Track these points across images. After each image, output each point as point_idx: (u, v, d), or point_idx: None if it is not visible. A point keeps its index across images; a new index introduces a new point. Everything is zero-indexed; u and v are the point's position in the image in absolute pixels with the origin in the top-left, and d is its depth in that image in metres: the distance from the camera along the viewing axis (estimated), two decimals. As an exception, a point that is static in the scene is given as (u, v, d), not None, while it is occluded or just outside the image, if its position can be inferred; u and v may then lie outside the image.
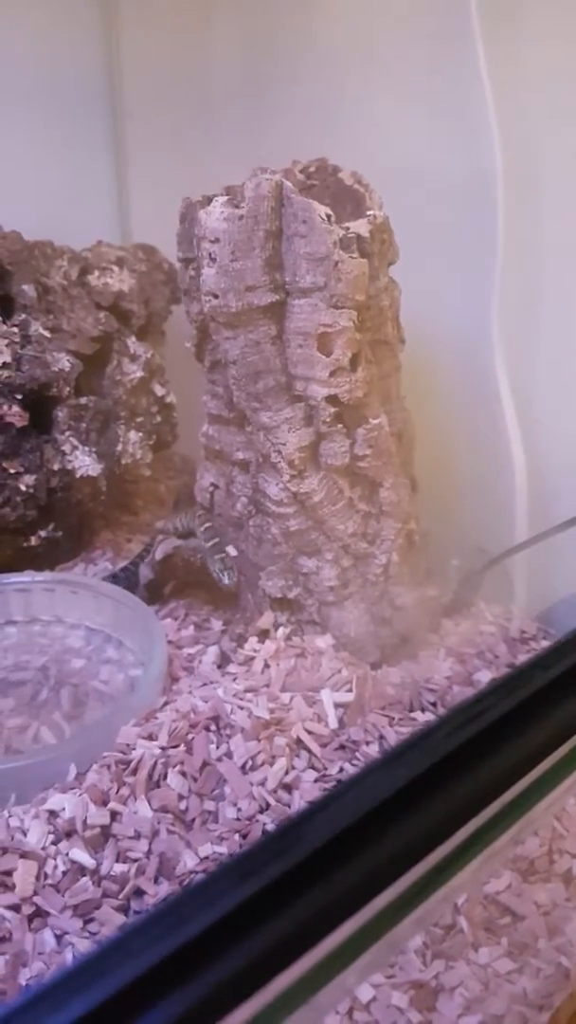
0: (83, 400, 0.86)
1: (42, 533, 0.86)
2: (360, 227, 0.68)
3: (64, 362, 0.85)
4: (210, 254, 0.68)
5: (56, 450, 0.85)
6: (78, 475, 0.84)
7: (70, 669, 0.77)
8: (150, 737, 0.64)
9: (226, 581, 0.77)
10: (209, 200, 0.76)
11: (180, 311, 1.09)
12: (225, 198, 0.67)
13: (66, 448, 0.84)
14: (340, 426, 0.73)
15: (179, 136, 1.19)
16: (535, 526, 0.90)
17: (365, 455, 0.74)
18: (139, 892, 0.56)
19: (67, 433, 0.85)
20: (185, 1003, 0.27)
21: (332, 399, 0.71)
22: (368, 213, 0.72)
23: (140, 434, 0.90)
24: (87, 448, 0.84)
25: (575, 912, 0.59)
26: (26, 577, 0.80)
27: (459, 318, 0.92)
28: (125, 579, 0.86)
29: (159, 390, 0.96)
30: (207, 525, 0.80)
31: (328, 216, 0.66)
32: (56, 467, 0.85)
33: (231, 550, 0.80)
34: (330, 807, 0.33)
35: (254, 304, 0.69)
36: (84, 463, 0.84)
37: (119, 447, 0.88)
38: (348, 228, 0.68)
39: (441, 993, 0.54)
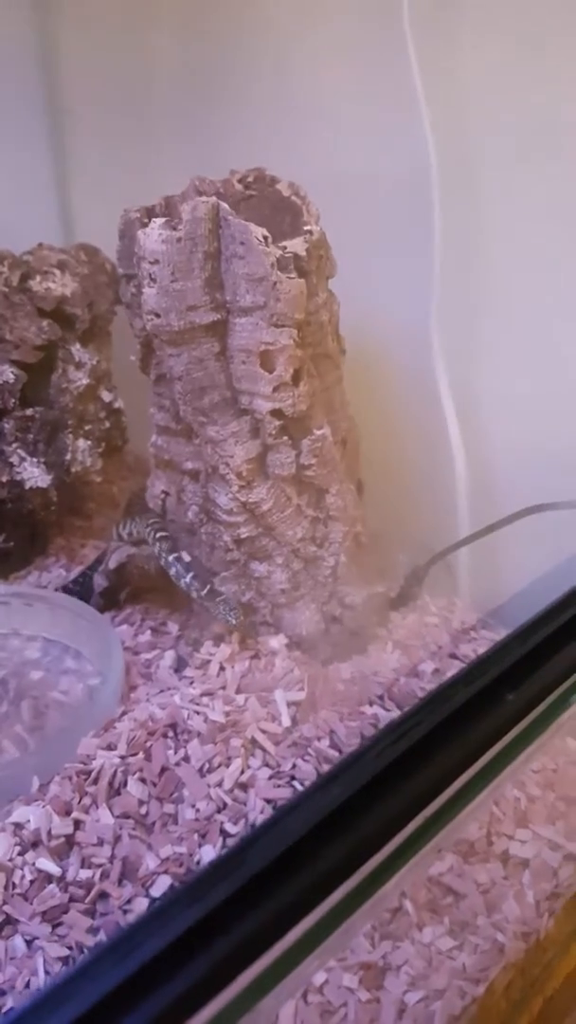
0: (29, 411, 0.87)
1: (-4, 544, 0.87)
2: (297, 246, 0.71)
3: (8, 374, 0.87)
4: (150, 275, 0.70)
5: (4, 462, 0.86)
6: (27, 487, 0.86)
7: (29, 681, 0.79)
8: (109, 747, 0.67)
9: (233, 622, 0.75)
10: (150, 213, 0.78)
11: (125, 312, 1.11)
12: (162, 220, 0.69)
13: (14, 460, 0.86)
14: (285, 438, 0.76)
15: (119, 134, 1.19)
16: (475, 522, 0.94)
17: (311, 464, 0.77)
18: (104, 895, 0.59)
19: (14, 445, 0.86)
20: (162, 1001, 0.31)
21: (276, 413, 0.74)
22: (305, 229, 0.74)
23: (89, 442, 0.92)
24: (35, 459, 0.86)
25: (511, 890, 0.64)
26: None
27: (399, 319, 0.95)
28: (79, 588, 0.88)
29: (106, 396, 0.97)
30: (161, 534, 0.82)
31: (265, 238, 0.68)
32: (4, 479, 0.86)
33: (226, 593, 0.80)
34: (273, 829, 0.36)
35: (196, 323, 0.71)
36: (33, 474, 0.86)
37: (68, 456, 0.90)
38: (285, 248, 0.70)
39: (388, 972, 0.58)
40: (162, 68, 1.16)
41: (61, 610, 0.82)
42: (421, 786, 0.39)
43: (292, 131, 1.02)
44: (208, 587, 0.78)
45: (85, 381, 0.93)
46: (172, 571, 0.80)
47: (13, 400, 0.86)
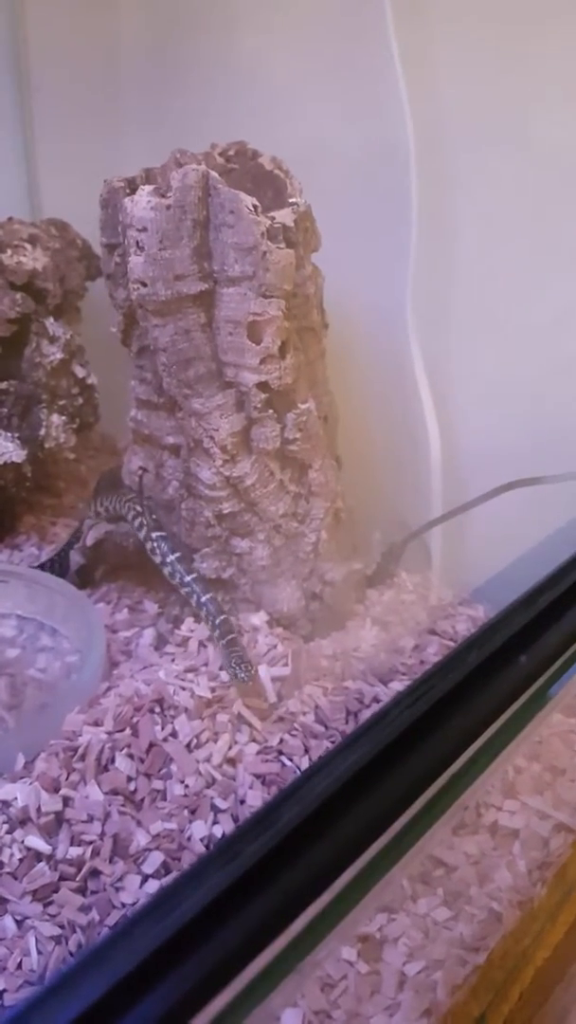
0: (3, 385, 0.85)
1: (-33, 521, 0.85)
2: (285, 217, 0.70)
3: (-17, 347, 0.84)
4: (137, 242, 0.68)
5: (-22, 437, 0.84)
6: (1, 462, 0.84)
7: (5, 659, 0.77)
8: (96, 723, 0.66)
9: (241, 675, 0.68)
10: (131, 184, 0.77)
11: (95, 288, 1.09)
12: (151, 187, 0.67)
13: (-11, 435, 0.84)
14: (271, 411, 0.75)
15: (88, 108, 1.17)
16: (449, 499, 0.94)
17: (295, 439, 0.77)
18: (95, 873, 0.58)
19: (-11, 419, 0.84)
20: (186, 981, 0.30)
21: (262, 386, 0.73)
22: (291, 201, 0.74)
23: (63, 417, 0.90)
24: (9, 434, 0.84)
25: (502, 860, 0.64)
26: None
27: (375, 297, 0.95)
28: (55, 566, 0.86)
29: (80, 371, 0.95)
30: (140, 510, 0.80)
31: (255, 207, 0.67)
32: (-22, 454, 0.84)
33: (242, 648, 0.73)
34: (302, 788, 0.36)
35: (183, 293, 0.70)
36: (7, 449, 0.83)
37: (42, 431, 0.87)
38: (274, 218, 0.69)
39: (386, 944, 0.58)
40: (131, 45, 1.14)
41: (37, 587, 0.80)
42: (445, 745, 0.39)
43: (265, 110, 1.01)
44: (231, 637, 0.72)
45: (59, 356, 0.91)
46: (156, 553, 0.78)
47: (-14, 373, 0.83)
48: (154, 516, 0.80)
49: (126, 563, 0.89)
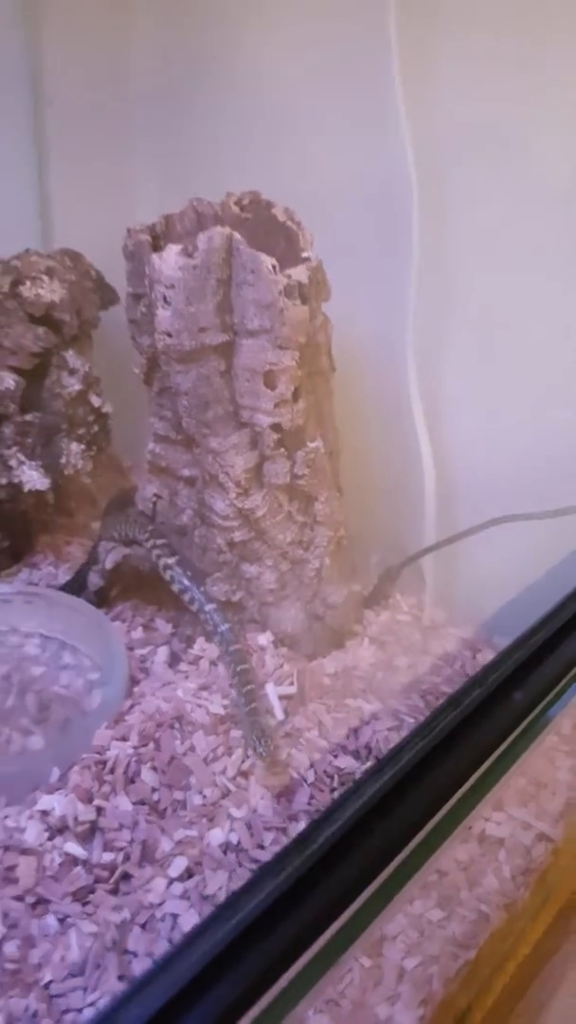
0: (28, 417, 0.91)
1: (-8, 543, 0.91)
2: (300, 274, 0.76)
3: (9, 381, 0.90)
4: (165, 297, 0.74)
5: (3, 465, 0.89)
6: (26, 489, 0.89)
7: (31, 676, 0.83)
8: (123, 738, 0.72)
9: (260, 750, 0.70)
10: (152, 232, 0.83)
11: (107, 317, 1.14)
12: (179, 248, 0.73)
13: (12, 463, 0.89)
14: (282, 449, 0.81)
15: (100, 139, 1.21)
16: (442, 526, 1.01)
17: (304, 474, 0.83)
18: (126, 876, 0.64)
19: (13, 448, 0.89)
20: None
21: (276, 427, 0.79)
22: (304, 256, 0.80)
23: (81, 445, 0.95)
24: (34, 463, 0.89)
25: (489, 866, 0.71)
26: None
27: (375, 328, 1.00)
28: (73, 586, 0.92)
29: (95, 400, 1.01)
30: (162, 541, 0.85)
31: (274, 267, 0.74)
32: (3, 481, 0.89)
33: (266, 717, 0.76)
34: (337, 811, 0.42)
35: (206, 343, 0.76)
36: (31, 477, 0.89)
37: (63, 459, 0.93)
38: (290, 276, 0.75)
39: (386, 941, 0.64)
40: (143, 73, 1.19)
41: (58, 607, 0.86)
42: (454, 773, 0.45)
43: (269, 140, 1.07)
44: (250, 706, 0.75)
45: (77, 387, 0.96)
46: (176, 583, 0.84)
47: (13, 406, 0.89)
48: (168, 544, 0.86)
49: (139, 584, 0.95)
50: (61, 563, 1.01)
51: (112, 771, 0.69)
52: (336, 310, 0.87)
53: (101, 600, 0.93)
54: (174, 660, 0.86)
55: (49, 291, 1.01)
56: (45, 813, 0.65)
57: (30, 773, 0.68)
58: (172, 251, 0.73)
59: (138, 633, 0.90)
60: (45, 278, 1.02)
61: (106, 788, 0.68)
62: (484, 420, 0.99)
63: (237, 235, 0.74)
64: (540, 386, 0.95)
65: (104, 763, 0.69)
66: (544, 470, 0.95)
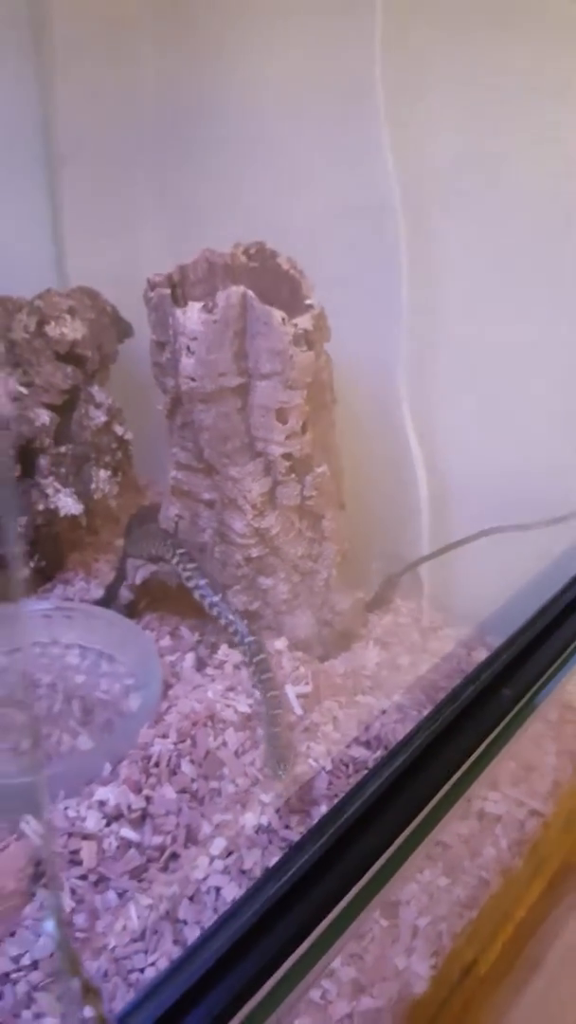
0: (62, 449, 1.00)
1: (31, 564, 1.00)
2: (306, 322, 0.86)
3: (44, 416, 0.99)
4: (189, 347, 0.84)
5: (41, 493, 0.99)
6: (61, 514, 0.99)
7: (74, 684, 0.92)
8: (164, 736, 0.81)
9: (280, 773, 0.77)
10: (170, 282, 0.92)
11: (124, 350, 1.23)
12: (200, 304, 0.83)
13: (49, 491, 0.99)
14: (293, 475, 0.91)
15: (106, 182, 1.30)
16: (436, 535, 1.11)
17: (312, 496, 0.93)
18: (175, 856, 0.74)
19: (50, 478, 0.99)
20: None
21: (287, 456, 0.89)
22: (307, 303, 0.89)
23: (108, 472, 1.05)
24: (68, 490, 0.99)
25: (488, 839, 0.82)
26: (27, 607, 0.95)
27: (368, 352, 1.09)
28: (107, 600, 1.02)
29: (119, 430, 1.10)
30: (192, 564, 0.95)
31: (284, 319, 0.83)
32: (41, 507, 0.99)
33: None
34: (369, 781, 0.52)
35: (225, 386, 0.86)
36: (66, 504, 0.99)
37: (93, 485, 1.03)
38: (297, 325, 0.85)
39: (400, 905, 0.75)
40: (147, 115, 1.28)
41: (95, 620, 0.96)
42: (454, 757, 0.56)
43: (263, 176, 1.15)
44: (272, 726, 0.82)
45: (103, 418, 1.06)
46: (206, 599, 0.93)
47: (48, 439, 0.98)
48: (195, 561, 0.96)
49: (165, 596, 1.05)
50: (91, 579, 1.10)
51: (156, 765, 0.79)
52: (333, 340, 0.95)
53: (130, 612, 1.03)
54: (201, 665, 0.96)
55: (72, 329, 1.11)
56: (102, 803, 0.75)
57: (84, 769, 0.78)
58: (195, 308, 0.83)
59: (166, 641, 1.00)
60: (68, 317, 1.12)
61: (152, 780, 0.77)
62: (474, 436, 1.09)
63: (251, 292, 0.83)
64: (525, 403, 1.04)
65: (149, 758, 0.79)
66: (530, 481, 1.05)
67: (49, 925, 0.30)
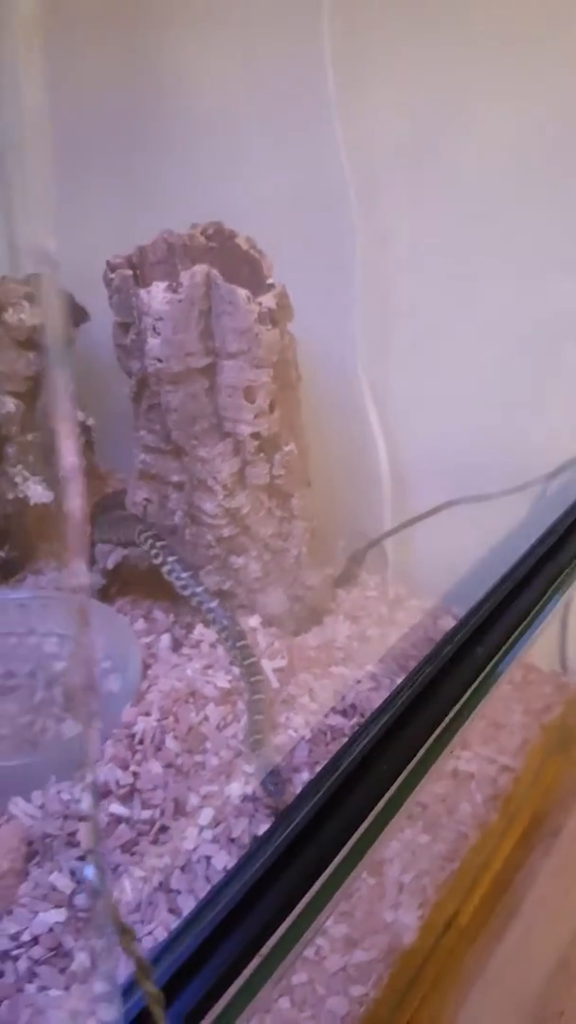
0: (29, 437, 1.00)
1: (1, 554, 1.00)
2: (270, 301, 0.87)
3: (10, 405, 0.99)
4: (154, 328, 0.85)
5: (9, 482, 0.99)
6: (32, 503, 0.99)
7: (54, 671, 0.93)
8: (146, 714, 0.83)
9: (257, 751, 0.80)
10: (130, 263, 0.93)
11: (79, 338, 1.23)
12: (165, 284, 0.84)
13: (18, 480, 0.99)
14: (261, 454, 0.93)
15: (61, 167, 1.29)
16: (399, 509, 1.14)
17: (281, 474, 0.95)
18: (164, 828, 0.76)
19: (18, 467, 0.99)
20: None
21: (255, 435, 0.91)
22: (268, 283, 0.91)
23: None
24: (37, 478, 0.99)
25: (463, 796, 0.85)
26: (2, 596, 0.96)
27: (328, 336, 1.12)
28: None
29: (81, 415, 1.11)
30: (162, 543, 0.96)
31: (249, 297, 0.85)
32: (10, 496, 0.99)
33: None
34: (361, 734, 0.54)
35: (192, 366, 0.87)
36: (36, 492, 0.99)
37: (60, 472, 1.03)
38: (262, 304, 0.86)
39: (384, 863, 0.77)
40: (96, 101, 1.27)
41: (66, 609, 0.96)
42: (434, 714, 0.58)
43: (214, 164, 1.16)
44: (255, 718, 0.83)
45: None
46: (177, 579, 0.95)
47: (15, 427, 0.98)
48: (166, 543, 0.97)
49: (136, 580, 1.06)
50: (62, 568, 1.11)
51: (141, 742, 0.80)
52: (294, 322, 0.97)
53: (103, 598, 1.04)
54: (176, 645, 0.98)
55: (30, 316, 1.10)
56: (92, 782, 0.76)
57: (73, 754, 0.79)
58: (159, 287, 0.84)
59: (140, 624, 1.01)
60: (25, 303, 1.11)
61: (138, 756, 0.79)
62: (431, 413, 1.12)
63: (215, 271, 0.84)
64: (478, 380, 1.07)
65: (133, 736, 0.81)
66: (488, 454, 1.08)
67: (89, 871, 0.32)
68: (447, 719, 0.61)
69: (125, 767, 0.78)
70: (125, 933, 0.33)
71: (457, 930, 0.80)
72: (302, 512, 1.00)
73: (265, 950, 0.47)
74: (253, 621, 0.98)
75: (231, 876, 0.51)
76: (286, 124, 1.09)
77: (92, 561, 1.05)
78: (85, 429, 1.12)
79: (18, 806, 0.74)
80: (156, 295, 0.84)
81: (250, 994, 0.44)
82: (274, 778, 0.77)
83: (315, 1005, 0.65)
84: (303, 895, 0.50)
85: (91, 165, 1.30)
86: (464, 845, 0.79)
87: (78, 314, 1.22)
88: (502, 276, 1.01)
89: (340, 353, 1.12)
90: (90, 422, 1.13)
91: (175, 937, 0.47)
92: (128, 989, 0.40)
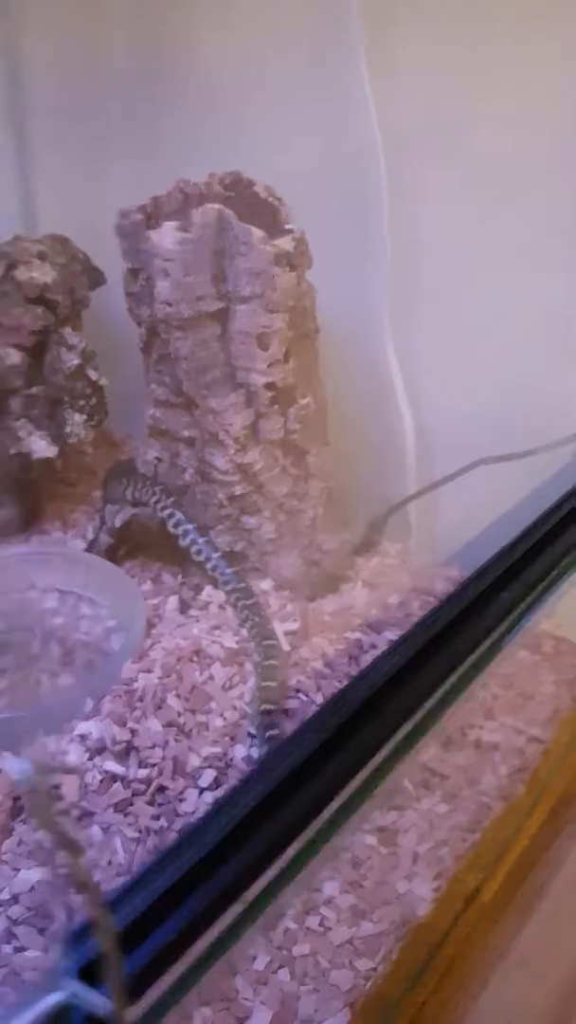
0: (34, 390, 0.97)
1: (3, 512, 0.97)
2: (287, 244, 0.83)
3: (14, 356, 0.96)
4: (164, 270, 0.81)
5: (13, 436, 0.95)
6: (35, 457, 0.95)
7: (52, 626, 0.89)
8: (148, 671, 0.78)
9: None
10: (144, 212, 0.89)
11: (98, 305, 1.20)
12: (175, 224, 0.80)
13: (22, 434, 0.95)
14: (276, 407, 0.88)
15: (79, 129, 1.27)
16: (423, 474, 1.08)
17: (296, 429, 0.90)
18: (161, 788, 0.71)
19: (22, 420, 0.95)
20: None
21: (269, 386, 0.86)
22: (286, 228, 0.86)
23: (83, 416, 1.02)
24: (41, 432, 0.96)
25: (486, 767, 0.79)
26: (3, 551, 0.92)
27: (355, 295, 1.07)
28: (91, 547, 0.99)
29: (93, 374, 1.06)
30: (171, 501, 0.92)
31: (264, 238, 0.80)
32: (13, 451, 0.95)
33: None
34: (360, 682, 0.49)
35: (203, 311, 0.82)
36: (40, 446, 0.95)
37: (67, 428, 0.99)
38: (278, 246, 0.82)
39: (399, 832, 0.72)
40: (118, 64, 1.25)
41: (75, 564, 0.92)
42: (456, 653, 0.53)
43: (239, 123, 1.13)
44: (262, 718, 0.77)
45: (76, 361, 1.02)
46: (184, 537, 0.90)
47: (19, 380, 0.95)
48: (175, 501, 0.93)
49: (145, 542, 1.02)
50: (69, 529, 1.07)
51: (141, 699, 0.76)
52: (317, 280, 0.93)
53: (110, 558, 0.99)
54: (184, 607, 0.93)
55: (42, 273, 1.07)
56: (83, 737, 0.72)
57: (64, 706, 0.75)
58: (169, 227, 0.80)
59: (147, 585, 0.97)
60: (37, 261, 1.08)
61: (137, 713, 0.74)
62: (456, 375, 1.07)
63: (228, 211, 0.80)
64: (505, 341, 1.02)
65: (133, 692, 0.76)
66: (513, 416, 1.03)
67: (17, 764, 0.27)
68: (466, 664, 0.55)
69: (122, 723, 0.73)
70: (69, 846, 0.28)
71: (478, 909, 0.74)
72: (319, 471, 0.95)
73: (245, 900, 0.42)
74: (265, 584, 0.94)
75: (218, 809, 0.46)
76: (315, 85, 1.05)
77: (102, 522, 1.01)
78: (97, 389, 1.08)
79: (5, 760, 0.70)
80: (166, 235, 0.80)
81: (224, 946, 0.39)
82: (267, 730, 0.74)
83: (317, 978, 0.60)
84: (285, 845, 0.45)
85: (114, 130, 1.27)
86: (486, 817, 0.74)
87: (95, 276, 1.19)
88: (538, 236, 0.97)
89: (367, 313, 1.07)
90: (103, 382, 1.09)
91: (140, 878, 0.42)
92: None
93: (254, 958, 0.61)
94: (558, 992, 0.73)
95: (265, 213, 0.90)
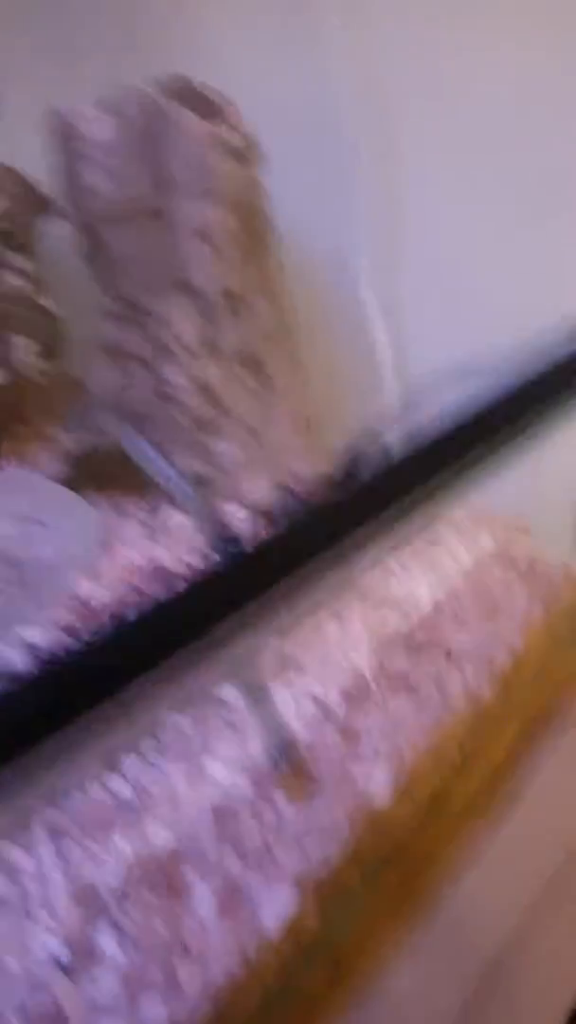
0: (-17, 316, 0.93)
1: (-43, 440, 0.93)
2: (228, 133, 0.79)
3: (-41, 280, 0.92)
4: (93, 159, 0.77)
5: (-38, 362, 0.92)
6: (-15, 383, 0.92)
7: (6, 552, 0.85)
8: (103, 586, 0.75)
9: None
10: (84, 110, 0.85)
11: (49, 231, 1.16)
12: (102, 108, 0.76)
13: (-29, 360, 0.92)
14: (229, 314, 0.84)
15: (31, 63, 1.22)
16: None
17: (255, 342, 0.86)
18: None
19: (-29, 346, 0.92)
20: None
21: (223, 292, 0.82)
22: (232, 122, 0.83)
23: (31, 342, 0.98)
24: (-9, 358, 0.92)
25: (456, 673, 0.76)
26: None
27: (331, 232, 1.05)
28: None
29: (45, 303, 1.03)
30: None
31: (199, 122, 0.76)
32: (-37, 378, 0.92)
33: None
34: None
35: (140, 203, 0.78)
36: (-11, 372, 0.92)
37: (16, 355, 0.96)
38: (220, 134, 0.78)
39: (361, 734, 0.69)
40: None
41: (28, 489, 0.89)
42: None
43: (211, 66, 1.09)
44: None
45: (19, 283, 0.99)
46: (143, 459, 0.87)
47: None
48: (133, 424, 0.89)
49: (106, 472, 0.98)
50: (28, 467, 1.03)
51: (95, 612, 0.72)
52: (292, 222, 0.91)
53: (70, 487, 0.96)
54: (146, 530, 0.90)
55: (-9, 201, 1.03)
56: (31, 646, 0.68)
57: (7, 612, 0.71)
58: (95, 113, 0.76)
59: (109, 513, 0.93)
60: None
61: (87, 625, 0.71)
62: (435, 312, 1.04)
63: (162, 96, 0.76)
64: (483, 278, 1.00)
65: (87, 604, 0.73)
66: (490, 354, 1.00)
67: None
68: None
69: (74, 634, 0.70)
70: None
71: (451, 815, 0.71)
72: (287, 391, 0.91)
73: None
74: (232, 509, 0.90)
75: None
76: (293, 30, 1.01)
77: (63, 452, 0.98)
78: (50, 318, 1.04)
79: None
80: (94, 121, 0.76)
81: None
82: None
83: (265, 867, 0.57)
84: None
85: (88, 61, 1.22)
86: (451, 715, 0.70)
87: (46, 206, 1.15)
88: (512, 178, 0.95)
89: (344, 254, 1.05)
90: (56, 312, 1.05)
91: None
92: None
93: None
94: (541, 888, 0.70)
95: (213, 113, 0.86)
